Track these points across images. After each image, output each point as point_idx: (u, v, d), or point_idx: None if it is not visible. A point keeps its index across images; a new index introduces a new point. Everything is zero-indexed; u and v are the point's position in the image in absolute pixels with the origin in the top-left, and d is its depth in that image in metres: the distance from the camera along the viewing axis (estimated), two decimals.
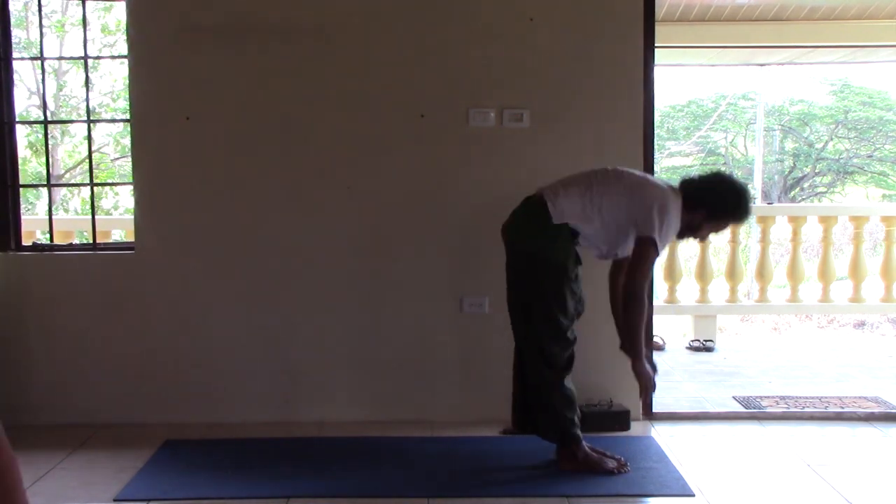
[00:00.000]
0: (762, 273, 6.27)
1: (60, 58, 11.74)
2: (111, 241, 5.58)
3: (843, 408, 4.20)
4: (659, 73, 4.02)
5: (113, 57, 10.41)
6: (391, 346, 4.02)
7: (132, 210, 4.08)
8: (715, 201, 3.32)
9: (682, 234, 3.39)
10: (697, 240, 3.53)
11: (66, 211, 11.64)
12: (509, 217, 3.36)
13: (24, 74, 11.11)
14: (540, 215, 3.24)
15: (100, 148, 11.90)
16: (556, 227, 3.22)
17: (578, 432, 3.32)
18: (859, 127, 15.21)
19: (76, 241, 5.74)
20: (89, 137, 4.39)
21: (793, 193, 15.47)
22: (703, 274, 6.15)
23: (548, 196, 3.26)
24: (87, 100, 4.57)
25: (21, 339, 4.00)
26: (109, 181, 11.61)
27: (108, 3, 10.81)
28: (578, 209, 3.23)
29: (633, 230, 3.23)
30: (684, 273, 6.22)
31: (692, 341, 5.88)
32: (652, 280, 4.03)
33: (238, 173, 3.96)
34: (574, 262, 3.29)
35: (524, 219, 3.31)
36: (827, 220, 6.27)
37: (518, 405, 3.41)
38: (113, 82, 11.88)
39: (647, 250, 3.20)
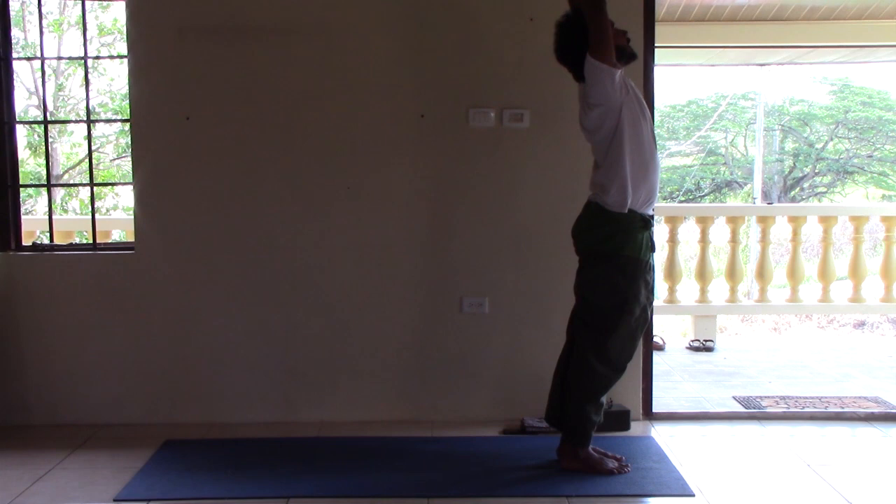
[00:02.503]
0: (762, 273, 6.27)
1: (59, 58, 11.73)
2: (111, 241, 5.58)
3: (843, 408, 4.20)
4: (659, 73, 4.02)
5: (112, 57, 10.40)
6: (391, 346, 4.02)
7: (132, 210, 4.08)
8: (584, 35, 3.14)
9: (626, 56, 3.20)
10: (628, 41, 3.24)
11: (66, 211, 11.63)
12: (575, 222, 3.33)
13: (21, 74, 11.11)
14: (600, 216, 3.21)
15: (98, 148, 11.90)
16: (621, 220, 3.17)
17: (592, 435, 3.33)
18: (859, 127, 15.21)
19: (77, 240, 5.74)
20: (89, 137, 4.39)
21: (793, 193, 15.47)
22: (703, 274, 6.15)
23: (596, 196, 3.23)
24: (87, 100, 4.56)
25: (21, 338, 3.99)
26: (108, 181, 11.60)
27: (105, 3, 10.81)
28: (619, 174, 3.15)
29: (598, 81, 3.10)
30: (684, 273, 6.21)
31: (692, 341, 5.88)
32: (653, 277, 4.04)
33: (238, 173, 3.96)
34: (646, 251, 3.23)
35: (587, 222, 3.28)
36: (827, 220, 6.27)
37: (556, 399, 3.38)
38: (110, 81, 11.88)
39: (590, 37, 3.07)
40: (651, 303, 3.34)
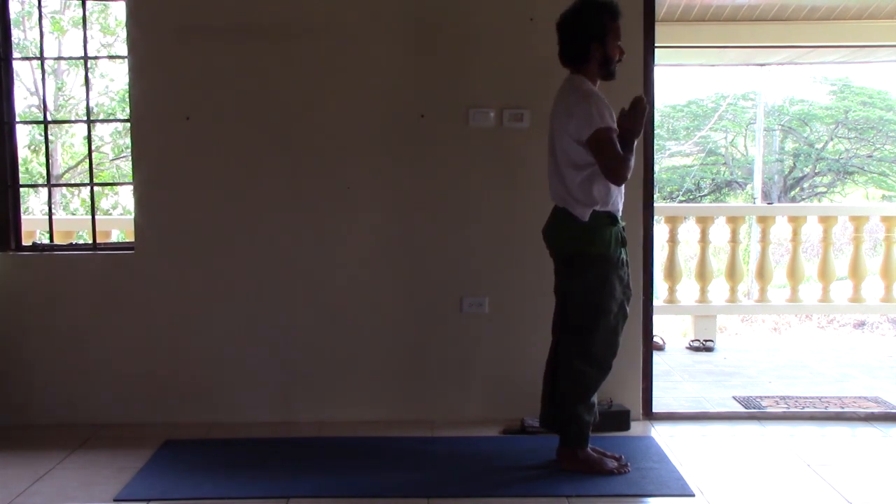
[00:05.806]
0: (762, 273, 6.27)
1: (59, 58, 11.72)
2: (111, 241, 5.58)
3: (843, 408, 4.20)
4: (659, 73, 4.02)
5: (112, 57, 10.41)
6: (391, 346, 4.02)
7: (132, 210, 4.08)
8: (588, 30, 3.19)
9: (608, 72, 3.25)
10: (618, 60, 3.26)
11: (65, 211, 11.63)
12: (545, 226, 3.35)
13: (21, 74, 11.10)
14: (568, 219, 3.22)
15: (99, 148, 11.89)
16: (587, 222, 3.19)
17: (589, 435, 3.33)
18: (859, 127, 15.21)
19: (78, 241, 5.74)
20: (89, 137, 4.39)
21: (793, 193, 15.47)
22: (703, 274, 6.15)
23: (563, 202, 3.24)
24: (87, 100, 4.56)
25: (21, 339, 3.99)
26: (107, 182, 11.59)
27: (105, 3, 10.81)
28: (590, 198, 3.18)
29: (583, 143, 3.14)
30: (684, 273, 6.22)
31: (692, 341, 5.88)
32: (652, 277, 4.04)
33: (238, 173, 3.96)
34: (616, 246, 3.24)
35: (556, 225, 3.30)
36: (827, 220, 6.27)
37: (548, 402, 3.38)
38: (110, 81, 11.86)
39: (601, 142, 3.10)
40: (628, 298, 3.33)
